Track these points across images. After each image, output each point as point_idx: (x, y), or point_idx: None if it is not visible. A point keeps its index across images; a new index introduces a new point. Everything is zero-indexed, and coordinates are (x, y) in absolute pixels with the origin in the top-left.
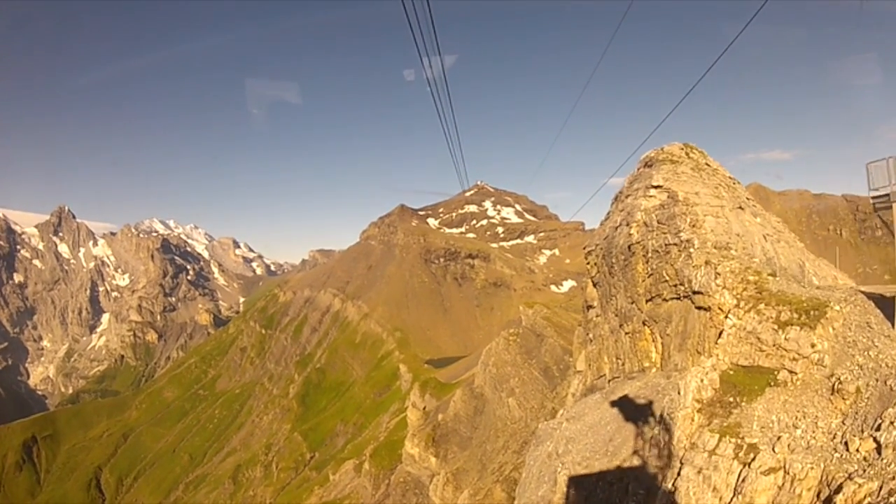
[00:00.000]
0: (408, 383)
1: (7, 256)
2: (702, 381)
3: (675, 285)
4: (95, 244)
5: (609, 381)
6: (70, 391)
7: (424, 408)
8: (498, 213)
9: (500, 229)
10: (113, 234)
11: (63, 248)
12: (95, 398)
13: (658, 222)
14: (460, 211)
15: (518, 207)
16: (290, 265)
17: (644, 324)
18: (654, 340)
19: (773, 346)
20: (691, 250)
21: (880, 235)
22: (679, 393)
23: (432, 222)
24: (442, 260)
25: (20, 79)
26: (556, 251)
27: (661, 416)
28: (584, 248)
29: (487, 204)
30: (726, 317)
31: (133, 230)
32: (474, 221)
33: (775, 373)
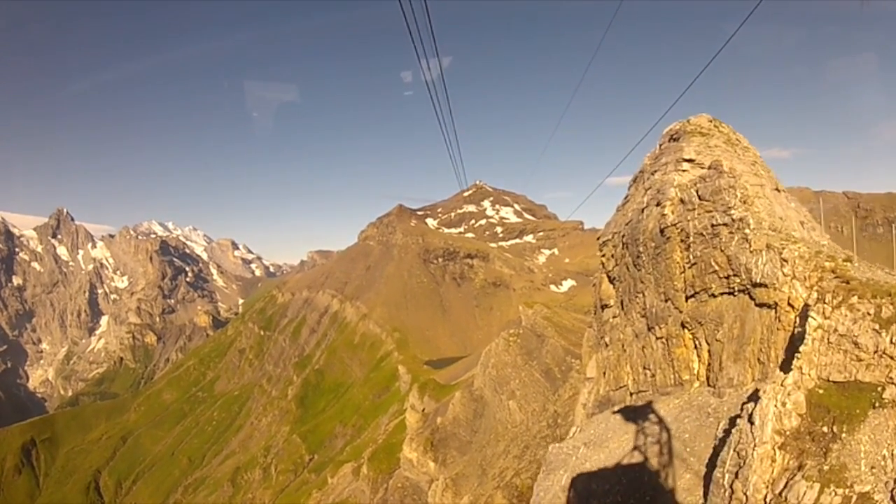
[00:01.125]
0: (407, 384)
1: (6, 259)
2: (783, 404)
3: (728, 277)
4: (94, 246)
5: (632, 394)
6: (69, 394)
7: (423, 410)
8: (497, 213)
9: (498, 229)
10: (111, 236)
11: (62, 251)
12: (94, 401)
13: (700, 198)
14: (459, 211)
15: (517, 207)
16: (289, 266)
17: (684, 326)
18: (696, 347)
19: (876, 352)
20: (746, 231)
21: (882, 233)
22: (751, 421)
23: (431, 222)
24: (441, 260)
25: (19, 81)
26: (556, 251)
27: (722, 450)
28: (599, 239)
29: (486, 204)
30: (799, 315)
31: (132, 232)
32: (473, 221)
33: (880, 389)
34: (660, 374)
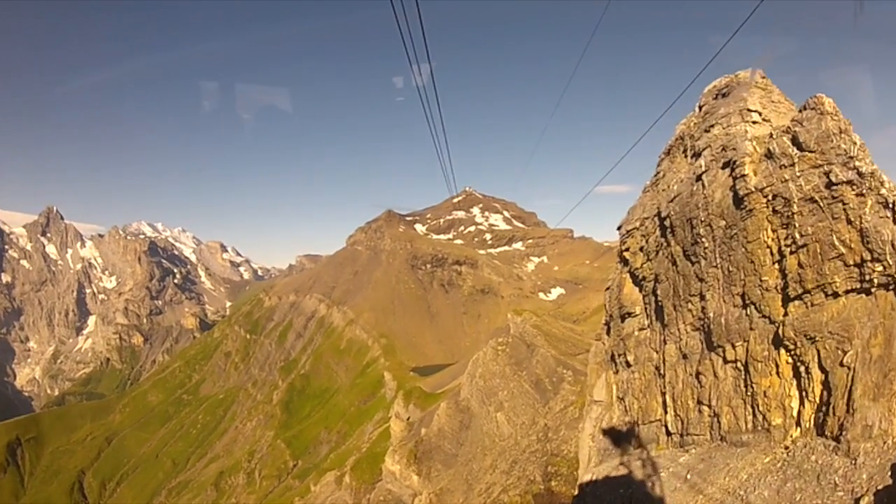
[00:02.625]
0: (392, 391)
1: None
2: None
3: (860, 264)
4: (83, 246)
5: (671, 434)
6: (56, 393)
7: (408, 419)
8: (486, 220)
9: (487, 236)
10: (101, 235)
11: (51, 249)
12: (81, 401)
13: (802, 148)
14: (448, 217)
15: (506, 214)
16: (278, 270)
17: (779, 344)
18: (799, 376)
19: None
20: (883, 192)
21: None
22: None
23: (420, 228)
24: (429, 266)
25: (13, 79)
26: (545, 258)
27: None
28: (620, 230)
29: (475, 210)
30: None
31: (121, 232)
32: (462, 228)
33: None
34: (728, 415)
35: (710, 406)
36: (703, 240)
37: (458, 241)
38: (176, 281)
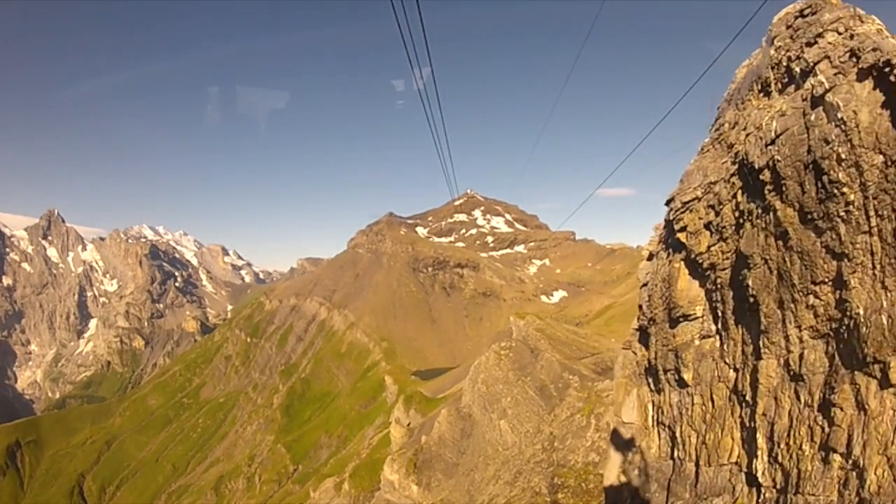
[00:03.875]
0: (393, 395)
1: None
2: None
3: None
4: (84, 249)
5: (763, 489)
6: (57, 396)
7: (409, 424)
8: (487, 223)
9: (489, 238)
10: (102, 239)
11: (52, 252)
12: (81, 404)
13: None
14: (449, 220)
15: (508, 217)
16: (279, 273)
17: None
18: None
19: None
20: None
21: None
22: None
23: (421, 231)
24: (430, 269)
25: (13, 83)
26: (547, 261)
27: None
28: (673, 202)
29: (477, 213)
30: None
31: (122, 235)
32: (463, 230)
33: None
34: (883, 471)
35: (847, 454)
36: (844, 190)
37: (460, 244)
38: (177, 284)
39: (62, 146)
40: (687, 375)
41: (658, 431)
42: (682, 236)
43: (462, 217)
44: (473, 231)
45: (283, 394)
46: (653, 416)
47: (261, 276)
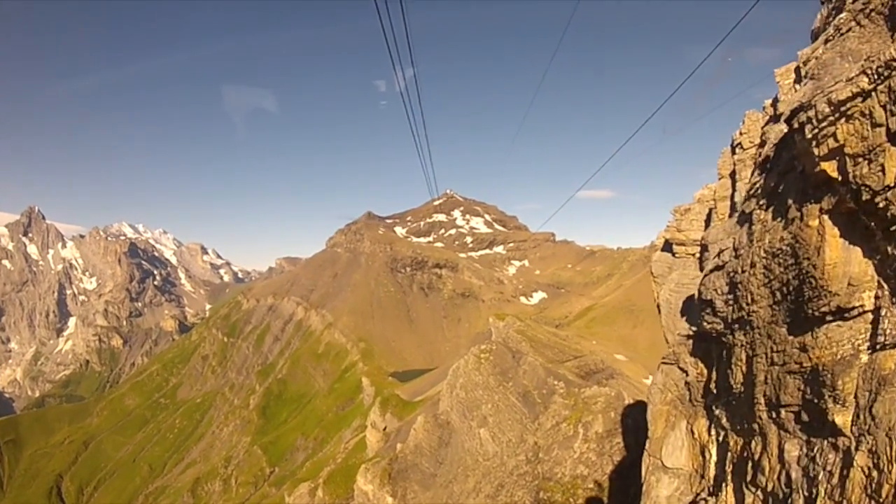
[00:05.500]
0: (370, 397)
1: None
2: None
3: None
4: (64, 246)
5: None
6: (37, 394)
7: (385, 429)
8: (467, 223)
9: (468, 239)
10: (82, 236)
11: (32, 249)
12: (61, 403)
13: None
14: (428, 220)
15: (487, 217)
16: (258, 272)
17: None
18: None
19: None
20: None
21: None
22: None
23: (399, 231)
24: (408, 269)
25: None
26: (526, 262)
27: None
28: (810, 109)
29: (456, 213)
30: None
31: (101, 233)
32: (442, 231)
33: None
34: None
35: None
36: None
37: (439, 244)
38: (156, 283)
39: (43, 143)
40: (842, 417)
41: (734, 491)
42: (828, 167)
43: (441, 217)
44: (452, 231)
45: (259, 394)
46: (720, 465)
47: (239, 275)
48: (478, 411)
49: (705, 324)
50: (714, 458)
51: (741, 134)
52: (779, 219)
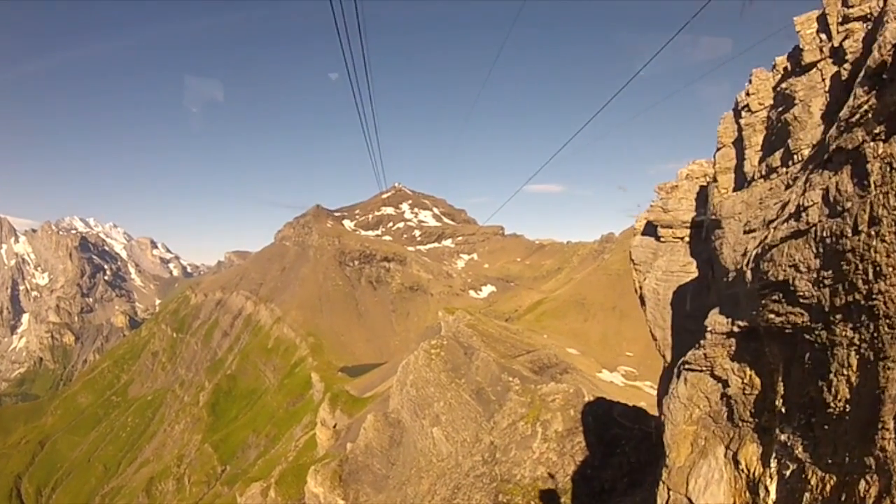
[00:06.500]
0: (320, 393)
1: None
2: None
3: None
4: (17, 241)
5: None
6: None
7: (335, 426)
8: (415, 216)
9: (417, 232)
10: (34, 231)
11: None
12: (16, 402)
13: None
14: (377, 213)
15: (436, 210)
16: (207, 267)
17: None
18: None
19: None
20: None
21: None
22: None
23: (348, 224)
24: (357, 262)
25: None
26: (475, 256)
27: None
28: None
29: (405, 206)
30: None
31: (53, 227)
32: (391, 224)
33: None
34: None
35: None
36: None
37: (387, 238)
38: (106, 278)
39: None
40: None
41: None
42: None
43: (390, 210)
44: (401, 224)
45: (209, 391)
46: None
47: (189, 269)
48: (430, 409)
49: (772, 315)
50: (773, 496)
51: (748, 95)
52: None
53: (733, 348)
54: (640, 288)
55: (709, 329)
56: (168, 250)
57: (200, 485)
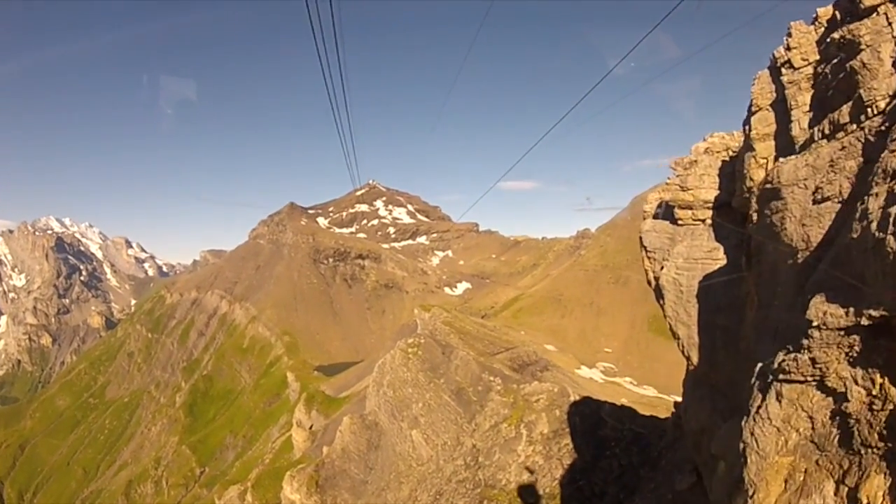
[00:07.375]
0: (296, 393)
1: None
2: None
3: None
4: None
5: None
6: None
7: (311, 427)
8: (389, 213)
9: (391, 230)
10: (11, 231)
11: None
12: None
13: None
14: (351, 210)
15: (410, 207)
16: (182, 266)
17: None
18: None
19: None
20: None
21: None
22: None
23: (322, 221)
24: (331, 260)
25: None
26: (450, 252)
27: None
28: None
29: (379, 203)
30: None
31: (29, 228)
32: (365, 221)
33: None
34: None
35: None
36: None
37: (362, 235)
38: (82, 278)
39: None
40: None
41: None
42: None
43: (364, 207)
44: (375, 222)
45: (185, 392)
46: None
47: (164, 269)
48: (408, 411)
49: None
50: None
51: (788, 49)
52: None
53: (857, 349)
54: (656, 279)
55: (815, 324)
56: (143, 250)
57: (179, 487)
